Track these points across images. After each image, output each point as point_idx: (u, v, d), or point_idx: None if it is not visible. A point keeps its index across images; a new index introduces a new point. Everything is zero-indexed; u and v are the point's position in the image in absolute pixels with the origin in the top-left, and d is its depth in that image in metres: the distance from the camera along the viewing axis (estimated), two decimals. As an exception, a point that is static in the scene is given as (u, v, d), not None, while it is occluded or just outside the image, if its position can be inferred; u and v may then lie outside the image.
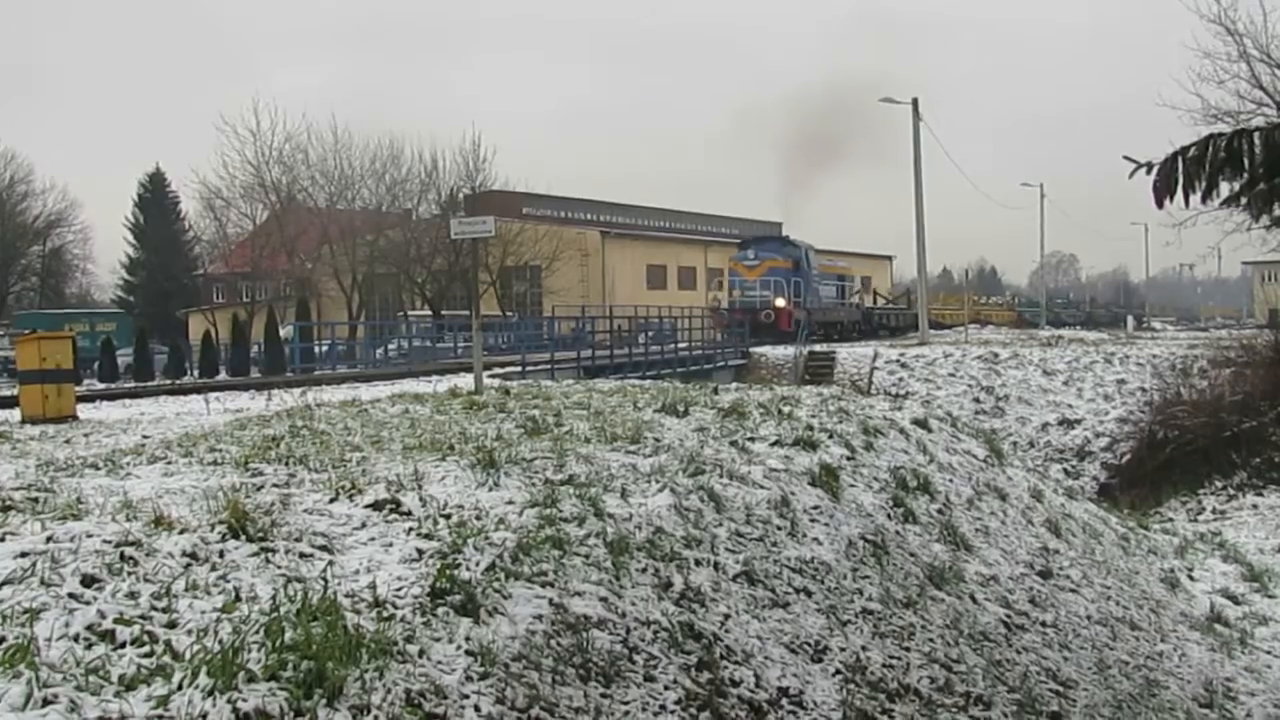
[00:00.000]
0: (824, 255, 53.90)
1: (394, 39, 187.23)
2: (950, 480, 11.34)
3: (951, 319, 66.50)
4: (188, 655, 4.09)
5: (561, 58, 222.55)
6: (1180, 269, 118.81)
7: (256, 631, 4.33)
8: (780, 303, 45.74)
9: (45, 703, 3.60)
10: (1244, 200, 10.54)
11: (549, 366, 27.03)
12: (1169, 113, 29.69)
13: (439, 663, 4.68)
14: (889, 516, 9.45)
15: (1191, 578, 13.73)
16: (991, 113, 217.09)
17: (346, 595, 4.94)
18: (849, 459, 10.33)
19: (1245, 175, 9.84)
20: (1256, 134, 9.86)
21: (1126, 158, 10.14)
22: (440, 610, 5.06)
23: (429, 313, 52.20)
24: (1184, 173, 9.74)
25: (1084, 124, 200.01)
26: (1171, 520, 21.38)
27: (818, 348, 40.60)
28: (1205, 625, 11.70)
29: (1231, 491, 24.36)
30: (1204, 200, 10.30)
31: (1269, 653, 11.48)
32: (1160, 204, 10.04)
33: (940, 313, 67.95)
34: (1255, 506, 22.78)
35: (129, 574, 4.82)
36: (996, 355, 35.99)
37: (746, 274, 47.88)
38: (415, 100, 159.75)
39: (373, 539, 5.85)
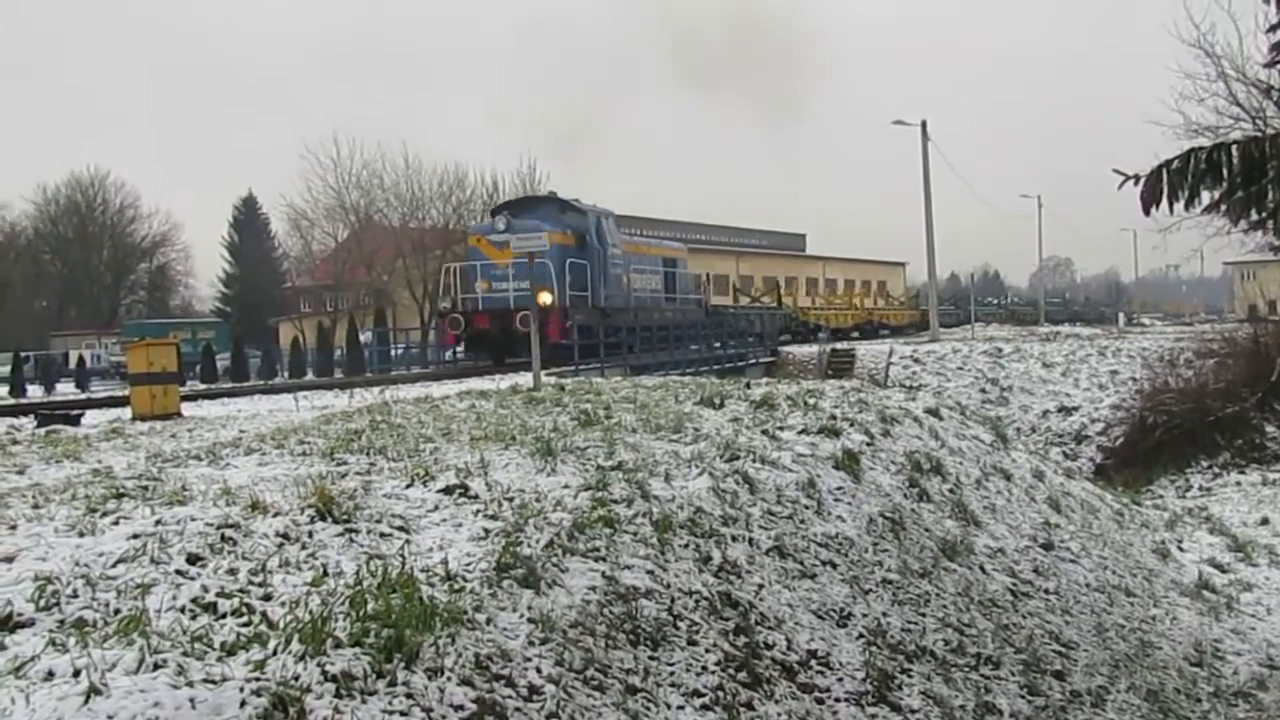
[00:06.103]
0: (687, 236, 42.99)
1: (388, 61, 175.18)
2: (960, 463, 11.23)
3: (838, 321, 53.15)
4: (281, 624, 4.12)
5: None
6: (1167, 270, 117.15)
7: (342, 603, 4.35)
8: (547, 299, 25.52)
9: (156, 667, 3.63)
10: (1224, 207, 10.40)
11: (599, 365, 27.03)
12: (1154, 128, 29.33)
13: (504, 629, 4.69)
14: (905, 496, 9.37)
15: (1181, 549, 13.51)
16: (988, 123, 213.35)
17: (422, 570, 4.96)
18: (868, 444, 10.24)
19: (1224, 184, 9.72)
20: (1234, 147, 9.74)
21: (1115, 170, 10.02)
22: (505, 583, 5.07)
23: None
24: (1168, 183, 9.63)
25: (1075, 138, 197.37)
26: (1162, 497, 21.13)
27: (840, 346, 40.76)
28: (1194, 592, 11.52)
29: (1216, 470, 24.09)
30: (1187, 208, 10.18)
31: (1253, 616, 11.29)
32: (1147, 212, 9.93)
33: (823, 314, 54.24)
34: (1238, 484, 22.53)
35: (229, 553, 4.86)
36: (1000, 350, 35.84)
37: (495, 256, 27.78)
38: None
39: (444, 520, 5.86)
